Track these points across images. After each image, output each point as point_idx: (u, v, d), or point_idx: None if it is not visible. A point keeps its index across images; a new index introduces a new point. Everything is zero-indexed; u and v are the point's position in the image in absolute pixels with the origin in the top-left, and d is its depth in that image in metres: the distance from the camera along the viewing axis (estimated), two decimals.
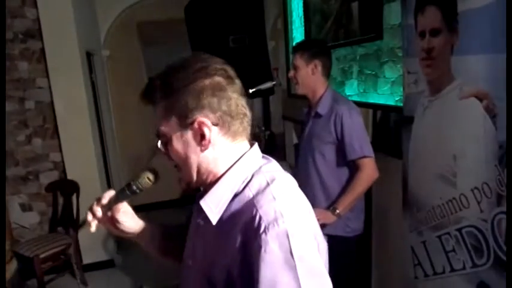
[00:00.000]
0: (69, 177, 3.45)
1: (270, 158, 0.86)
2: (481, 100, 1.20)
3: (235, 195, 0.78)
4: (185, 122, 0.76)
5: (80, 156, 3.45)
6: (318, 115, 1.99)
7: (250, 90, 2.02)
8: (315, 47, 2.03)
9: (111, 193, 0.92)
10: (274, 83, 2.27)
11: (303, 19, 3.27)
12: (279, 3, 3.80)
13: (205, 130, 0.75)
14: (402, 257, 1.74)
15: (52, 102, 3.36)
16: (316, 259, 0.72)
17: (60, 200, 3.47)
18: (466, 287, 1.34)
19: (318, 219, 1.99)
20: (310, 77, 1.98)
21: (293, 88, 3.35)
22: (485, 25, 1.16)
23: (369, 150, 1.89)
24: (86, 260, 3.58)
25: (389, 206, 2.14)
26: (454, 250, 1.39)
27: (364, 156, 1.87)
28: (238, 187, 0.78)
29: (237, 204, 0.76)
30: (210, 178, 0.82)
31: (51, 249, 3.09)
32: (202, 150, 0.78)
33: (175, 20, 3.91)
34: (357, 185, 1.89)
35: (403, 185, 1.72)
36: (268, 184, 0.76)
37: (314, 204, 2.23)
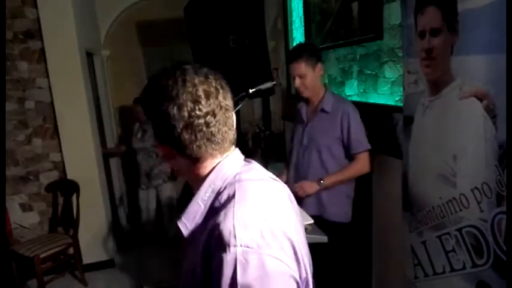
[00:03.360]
0: (69, 177, 3.45)
1: (253, 163, 0.87)
2: (481, 100, 1.20)
3: (210, 207, 0.80)
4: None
5: (80, 156, 3.45)
6: (324, 111, 2.09)
7: (250, 90, 2.02)
8: (316, 51, 2.11)
9: None
10: (274, 83, 2.26)
11: (303, 19, 3.26)
12: (279, 3, 3.79)
13: (161, 148, 0.82)
14: (402, 257, 1.74)
15: (52, 102, 3.35)
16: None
17: (60, 200, 3.48)
18: (466, 287, 1.34)
19: (301, 189, 2.14)
20: (317, 80, 2.11)
21: (293, 88, 3.35)
22: (485, 25, 1.16)
23: (368, 143, 2.05)
24: (86, 260, 3.57)
25: (389, 206, 2.14)
26: (454, 250, 1.38)
27: (366, 150, 2.04)
28: (211, 200, 0.80)
29: (208, 215, 0.79)
30: (194, 188, 0.85)
31: (51, 249, 3.10)
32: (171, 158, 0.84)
33: (175, 20, 3.91)
34: (350, 171, 2.07)
35: (403, 185, 1.72)
36: (233, 196, 0.75)
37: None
